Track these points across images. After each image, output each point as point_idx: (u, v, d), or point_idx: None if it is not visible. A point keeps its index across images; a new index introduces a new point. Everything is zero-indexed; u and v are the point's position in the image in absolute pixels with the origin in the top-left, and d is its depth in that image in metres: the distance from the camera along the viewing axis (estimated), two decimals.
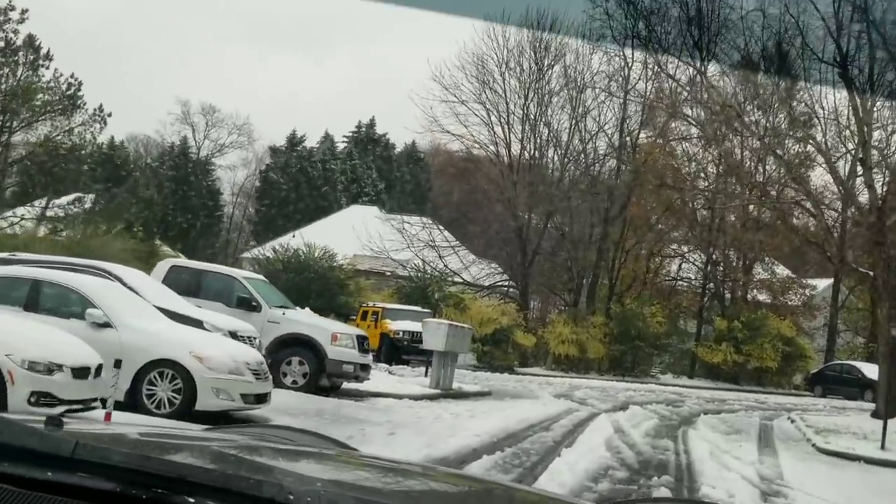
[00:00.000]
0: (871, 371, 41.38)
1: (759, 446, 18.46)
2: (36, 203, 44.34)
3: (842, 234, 36.90)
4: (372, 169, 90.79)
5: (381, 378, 22.30)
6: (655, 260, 47.97)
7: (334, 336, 16.54)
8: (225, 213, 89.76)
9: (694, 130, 45.26)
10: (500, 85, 45.08)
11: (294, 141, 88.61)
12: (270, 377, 12.63)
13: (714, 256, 47.30)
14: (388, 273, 43.24)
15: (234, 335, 14.08)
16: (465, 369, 35.19)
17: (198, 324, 13.83)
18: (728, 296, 48.22)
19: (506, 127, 45.60)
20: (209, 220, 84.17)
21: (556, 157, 46.89)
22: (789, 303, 49.04)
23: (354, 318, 35.58)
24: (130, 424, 2.35)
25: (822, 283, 54.07)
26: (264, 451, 1.90)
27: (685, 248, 48.70)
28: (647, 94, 43.65)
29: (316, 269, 35.80)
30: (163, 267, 17.14)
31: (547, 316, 45.77)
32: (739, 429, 22.00)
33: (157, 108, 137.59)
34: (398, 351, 31.65)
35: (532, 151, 46.24)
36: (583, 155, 46.21)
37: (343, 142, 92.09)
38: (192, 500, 1.24)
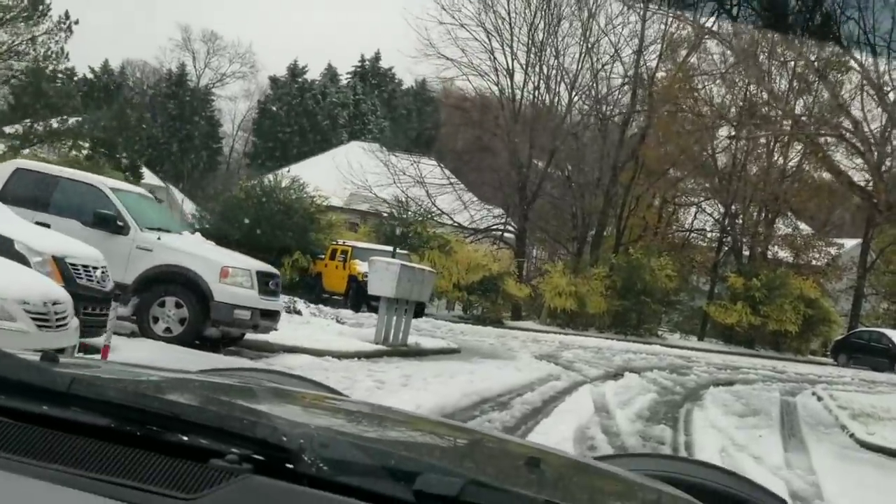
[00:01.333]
0: None
1: (783, 437, 14.29)
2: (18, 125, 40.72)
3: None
4: (376, 106, 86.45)
5: (318, 328, 18.19)
6: (668, 209, 43.51)
7: (224, 271, 12.32)
8: (224, 145, 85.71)
9: (719, 65, 40.77)
10: (503, 6, 40.46)
11: (295, 72, 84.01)
12: (75, 324, 8.50)
13: (733, 208, 42.83)
14: (376, 212, 38.95)
15: (58, 261, 9.94)
16: (445, 320, 31.25)
17: (7, 243, 9.73)
18: (746, 252, 43.82)
19: (509, 54, 41.06)
20: (208, 152, 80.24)
21: (563, 90, 42.32)
22: (813, 262, 44.66)
23: (323, 257, 31.54)
24: (128, 364, 2.03)
25: (849, 243, 49.69)
26: (257, 393, 1.94)
27: (701, 197, 44.18)
28: (668, 23, 39.07)
29: (281, 201, 31.58)
30: (4, 170, 12.94)
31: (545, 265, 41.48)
32: (757, 409, 17.82)
33: (158, 35, 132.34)
34: (367, 296, 27.42)
35: (537, 82, 41.69)
36: (593, 88, 41.67)
37: (347, 76, 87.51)
38: (185, 438, 1.23)
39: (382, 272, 16.90)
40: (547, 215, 44.96)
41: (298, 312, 19.23)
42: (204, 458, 1.21)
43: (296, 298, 20.61)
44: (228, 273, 12.37)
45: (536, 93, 41.77)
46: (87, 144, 42.41)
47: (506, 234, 41.38)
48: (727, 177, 43.28)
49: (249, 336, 13.58)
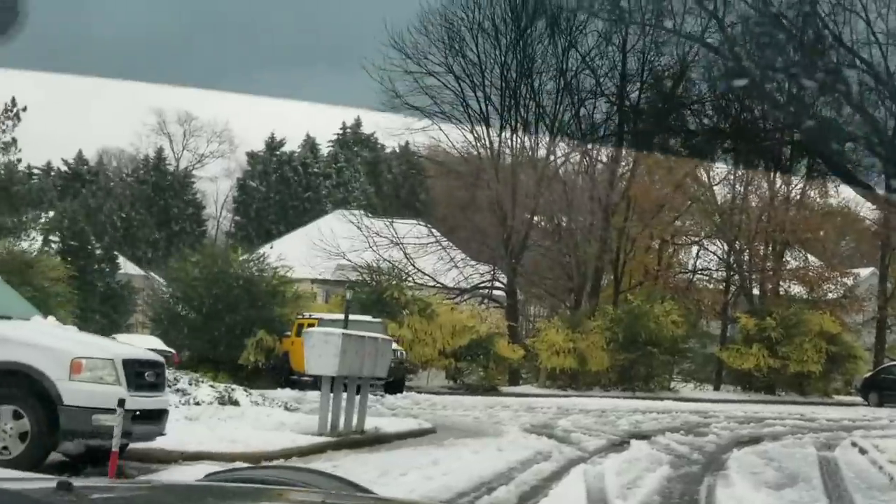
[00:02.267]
0: None
1: None
2: None
3: None
4: (359, 172, 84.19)
5: (251, 420, 15.00)
6: (668, 250, 40.46)
7: (76, 364, 9.22)
8: (210, 227, 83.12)
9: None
10: (472, 49, 37.82)
11: (273, 145, 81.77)
12: None
13: (737, 244, 39.78)
14: (348, 280, 35.85)
15: None
16: (432, 393, 28.07)
17: None
18: (756, 290, 40.66)
19: (482, 98, 38.32)
20: (191, 236, 77.61)
21: (543, 132, 39.50)
22: (829, 295, 41.45)
23: (290, 334, 28.43)
24: (139, 484, 2.38)
25: (864, 272, 46.59)
26: (271, 496, 1.91)
27: (702, 234, 41.12)
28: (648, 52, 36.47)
29: (240, 276, 28.61)
30: None
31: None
32: (794, 473, 14.58)
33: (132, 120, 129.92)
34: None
35: (515, 126, 38.88)
36: (575, 126, 38.88)
37: (328, 145, 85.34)
38: None
39: (321, 346, 13.79)
40: (540, 269, 41.98)
41: (235, 403, 16.08)
42: None
43: (234, 386, 17.53)
44: (82, 366, 9.25)
45: (515, 137, 38.98)
46: (56, 238, 40.20)
47: (495, 293, 38.26)
48: (728, 210, 40.34)
49: (138, 446, 10.42)
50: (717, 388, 38.12)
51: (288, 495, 2.02)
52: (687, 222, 41.52)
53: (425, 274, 36.24)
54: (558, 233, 40.41)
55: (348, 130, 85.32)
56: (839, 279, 41.94)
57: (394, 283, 32.25)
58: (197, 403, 15.60)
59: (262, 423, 14.56)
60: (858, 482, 14.05)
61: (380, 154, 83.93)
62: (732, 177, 39.88)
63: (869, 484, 13.88)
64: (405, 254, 36.57)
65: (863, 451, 17.78)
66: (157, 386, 10.12)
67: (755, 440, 19.71)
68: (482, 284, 38.42)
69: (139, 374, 9.81)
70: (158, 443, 10.27)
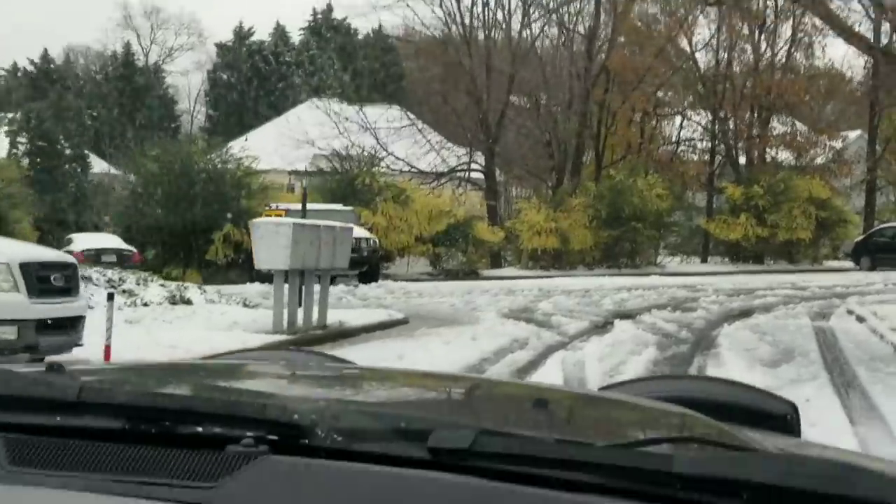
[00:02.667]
0: None
1: (839, 393, 10.06)
2: None
3: None
4: (333, 59, 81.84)
5: (202, 321, 13.86)
6: (651, 122, 38.96)
7: None
8: (184, 123, 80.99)
9: None
10: None
11: (242, 34, 79.18)
12: None
13: (722, 113, 38.29)
14: (319, 169, 34.35)
15: None
16: (411, 281, 26.98)
17: None
18: (743, 159, 39.38)
19: None
20: (165, 132, 75.60)
21: (516, 8, 37.58)
22: (816, 160, 40.24)
23: None
24: (131, 364, 2.42)
25: (852, 135, 45.33)
26: (266, 375, 1.95)
27: (685, 104, 39.59)
28: None
29: (204, 170, 27.18)
30: None
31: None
32: (789, 348, 13.58)
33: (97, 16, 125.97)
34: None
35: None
36: None
37: (300, 33, 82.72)
38: (199, 429, 1.24)
39: (270, 237, 12.54)
40: (520, 149, 40.59)
41: (188, 302, 14.90)
42: (221, 446, 1.19)
43: (187, 285, 16.36)
44: None
45: (487, 10, 37.08)
46: (24, 139, 38.68)
47: (474, 175, 36.87)
48: (711, 78, 38.77)
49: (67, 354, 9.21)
50: (704, 261, 37.22)
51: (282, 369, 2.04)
52: (669, 93, 39.99)
53: (399, 159, 34.77)
54: (537, 110, 38.88)
55: (319, 17, 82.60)
56: (827, 143, 40.66)
57: (365, 169, 30.82)
58: (145, 304, 14.45)
59: (213, 322, 13.43)
60: (860, 353, 13.05)
61: (353, 40, 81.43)
62: (715, 42, 38.25)
63: (871, 355, 12.88)
64: (377, 139, 35.03)
65: (860, 319, 16.82)
66: (69, 290, 8.86)
67: (746, 313, 18.75)
68: (459, 167, 36.96)
69: (43, 279, 8.55)
70: (76, 354, 9.07)
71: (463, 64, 35.76)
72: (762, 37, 38.77)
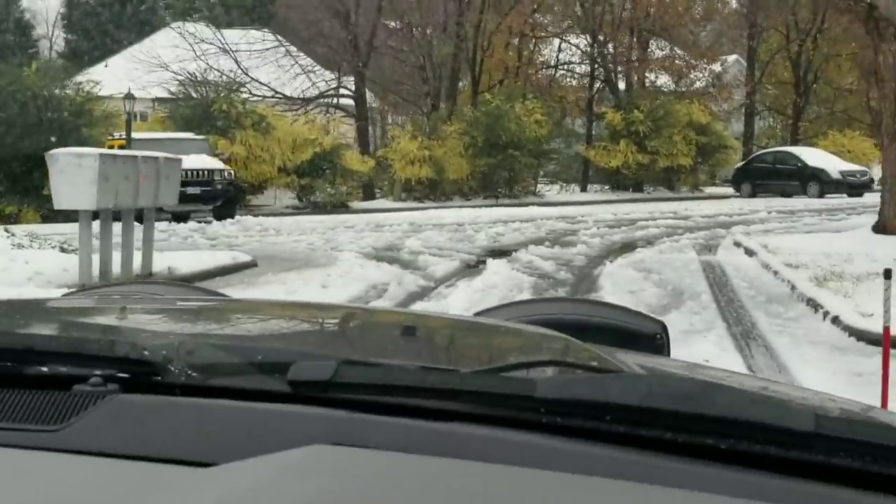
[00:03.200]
0: (813, 157, 32.29)
1: (739, 348, 8.65)
2: None
3: None
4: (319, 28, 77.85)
5: (20, 263, 11.72)
6: (528, 45, 37.24)
7: None
8: (43, 49, 75.76)
9: None
10: None
11: None
12: None
13: (601, 36, 36.86)
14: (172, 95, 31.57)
15: None
16: (275, 215, 24.91)
17: None
18: (622, 84, 38.16)
19: None
20: (20, 60, 70.55)
21: None
22: (696, 85, 39.32)
23: None
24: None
25: (730, 59, 44.65)
26: (122, 310, 1.81)
27: (564, 26, 38.04)
28: None
29: (38, 95, 24.43)
30: None
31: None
32: (678, 288, 12.25)
33: None
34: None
35: None
36: None
37: None
38: (44, 369, 1.18)
39: (72, 172, 10.42)
40: (394, 74, 38.52)
41: None
42: (67, 386, 1.13)
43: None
44: None
45: None
46: None
47: (345, 101, 34.66)
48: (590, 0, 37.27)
49: None
50: (584, 190, 36.08)
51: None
52: (547, 15, 38.35)
53: (262, 84, 32.31)
54: (410, 32, 36.77)
55: None
56: (706, 67, 39.71)
57: (222, 94, 28.36)
58: None
59: (10, 272, 11.27)
60: (755, 294, 11.76)
61: None
62: None
63: (767, 296, 11.59)
64: (237, 62, 32.45)
65: (750, 253, 15.61)
66: None
67: (628, 247, 17.44)
68: (327, 92, 34.67)
69: None
70: None
71: None
72: None
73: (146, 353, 1.16)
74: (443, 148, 30.28)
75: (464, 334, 1.86)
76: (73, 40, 71.38)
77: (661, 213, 25.04)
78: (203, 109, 27.39)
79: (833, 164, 31.67)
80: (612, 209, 26.95)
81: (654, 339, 2.04)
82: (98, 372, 1.13)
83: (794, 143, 40.43)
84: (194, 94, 28.99)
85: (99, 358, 1.15)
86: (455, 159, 30.42)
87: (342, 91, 34.64)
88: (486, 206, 29.39)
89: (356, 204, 29.18)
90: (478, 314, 2.21)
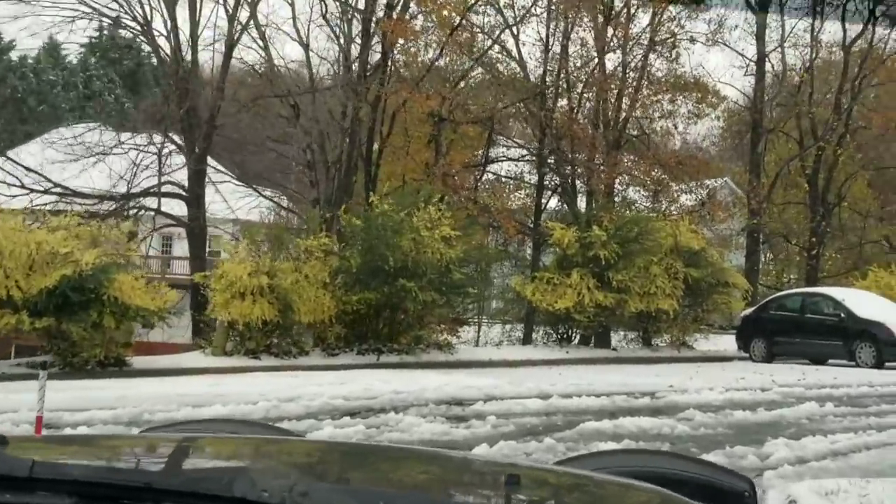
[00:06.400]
0: (862, 304, 21.51)
1: None
2: None
3: None
4: (114, 83, 70.17)
5: None
6: (448, 133, 26.65)
7: None
8: None
9: None
10: None
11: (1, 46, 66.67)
12: None
13: (554, 120, 26.51)
14: None
15: None
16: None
17: None
18: (582, 190, 27.69)
19: None
20: None
21: None
22: (681, 199, 29.00)
23: None
24: (80, 436, 2.33)
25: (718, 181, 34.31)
26: (221, 446, 1.88)
27: (502, 109, 27.44)
28: None
29: None
30: None
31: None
32: None
33: None
34: None
35: None
36: None
37: (82, 51, 70.06)
38: None
39: None
40: (272, 170, 28.31)
41: None
42: None
43: None
44: None
45: None
46: None
47: (171, 204, 23.99)
48: (538, 80, 27.11)
49: None
50: (528, 341, 25.16)
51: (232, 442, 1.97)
52: (469, 86, 28.01)
53: (30, 169, 21.62)
54: (296, 115, 26.49)
55: (104, 33, 69.89)
56: (698, 179, 29.31)
57: None
58: None
59: None
60: None
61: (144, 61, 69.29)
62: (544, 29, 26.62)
63: None
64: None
65: None
66: None
67: None
68: (149, 188, 23.94)
69: None
70: None
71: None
72: (609, 25, 27.30)
73: (265, 493, 1.15)
74: (295, 274, 19.43)
75: (571, 491, 1.81)
76: None
77: (628, 399, 14.12)
78: None
79: (895, 316, 20.84)
80: (549, 381, 16.03)
81: (742, 497, 2.08)
82: None
83: (812, 282, 29.90)
84: None
85: (216, 498, 1.13)
86: (312, 291, 19.53)
87: (171, 189, 23.92)
88: (358, 365, 18.68)
89: (138, 360, 18.13)
90: (560, 463, 2.31)
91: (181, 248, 28.99)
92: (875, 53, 29.81)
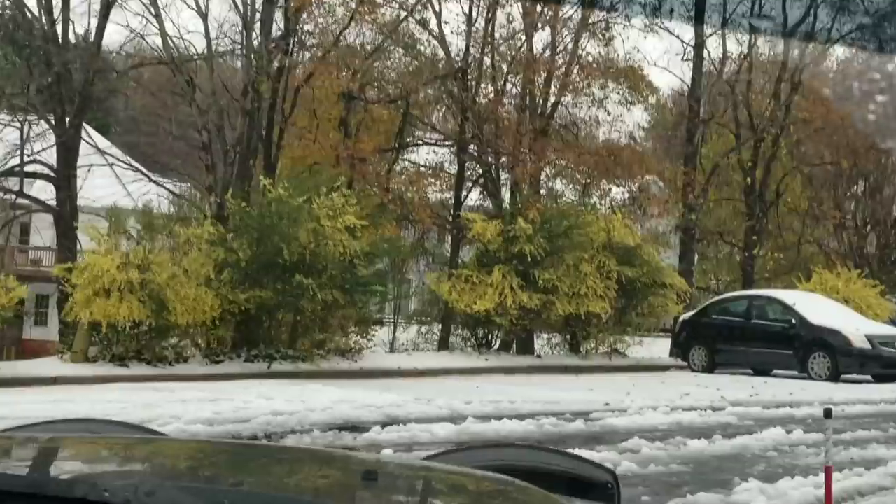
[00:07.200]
0: (816, 309, 19.38)
1: None
2: None
3: None
4: (14, 63, 65.04)
5: None
6: (358, 112, 24.01)
7: None
8: None
9: None
10: None
11: None
12: None
13: (477, 103, 24.04)
14: None
15: None
16: None
17: None
18: (505, 181, 25.28)
19: None
20: None
21: None
22: (612, 192, 26.78)
23: None
24: None
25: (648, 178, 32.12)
26: (72, 446, 1.81)
27: (420, 90, 24.80)
28: None
29: None
30: None
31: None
32: None
33: None
34: None
35: None
36: None
37: None
38: None
39: None
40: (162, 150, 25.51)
41: None
42: None
43: None
44: None
45: None
46: None
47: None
48: (458, 59, 24.60)
49: None
50: (444, 346, 22.52)
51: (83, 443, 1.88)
52: (385, 65, 25.41)
53: None
54: (192, 90, 23.56)
55: (5, 12, 65.36)
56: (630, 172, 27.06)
57: None
58: None
59: None
60: None
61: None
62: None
63: None
64: None
65: None
66: None
67: None
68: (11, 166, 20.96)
69: None
70: None
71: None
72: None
73: (106, 493, 1.11)
74: (170, 269, 16.67)
75: (432, 482, 1.83)
76: None
77: (557, 422, 11.70)
78: None
79: (853, 323, 18.68)
80: (464, 396, 13.55)
81: (605, 488, 2.07)
82: None
83: (749, 283, 27.95)
84: None
85: (59, 499, 1.09)
86: (193, 290, 16.76)
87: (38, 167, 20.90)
88: (241, 375, 16.02)
89: None
90: (429, 458, 2.25)
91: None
92: (818, 40, 27.91)
